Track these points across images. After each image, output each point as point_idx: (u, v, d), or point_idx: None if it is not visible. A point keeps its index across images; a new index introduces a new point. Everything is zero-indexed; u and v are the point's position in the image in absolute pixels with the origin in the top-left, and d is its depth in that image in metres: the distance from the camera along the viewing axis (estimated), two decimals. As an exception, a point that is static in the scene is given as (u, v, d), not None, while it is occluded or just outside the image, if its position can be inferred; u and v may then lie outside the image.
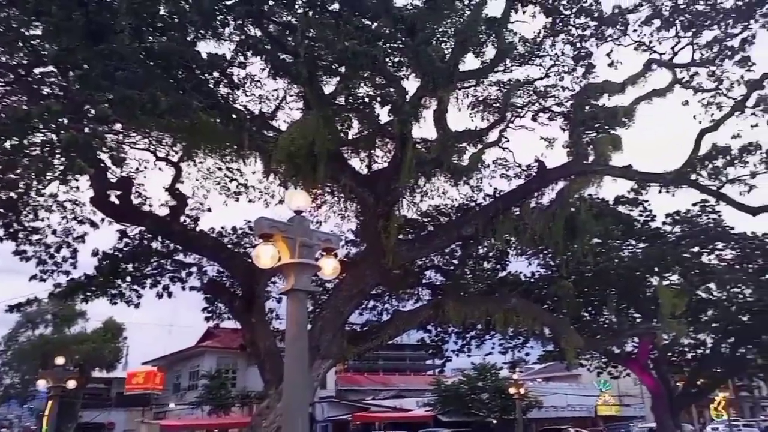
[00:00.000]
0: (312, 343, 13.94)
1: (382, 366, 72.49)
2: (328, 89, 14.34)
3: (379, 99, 13.84)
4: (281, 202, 17.48)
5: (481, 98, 17.68)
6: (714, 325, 32.46)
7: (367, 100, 14.10)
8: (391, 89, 13.85)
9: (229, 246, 18.85)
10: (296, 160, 11.96)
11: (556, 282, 24.80)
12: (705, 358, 36.04)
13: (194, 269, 18.85)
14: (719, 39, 15.93)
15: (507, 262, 23.83)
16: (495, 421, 42.96)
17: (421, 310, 17.97)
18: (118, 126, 13.31)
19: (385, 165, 15.87)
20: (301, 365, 5.94)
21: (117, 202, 15.62)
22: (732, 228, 30.08)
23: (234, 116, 13.66)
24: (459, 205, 19.56)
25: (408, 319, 17.15)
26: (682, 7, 15.83)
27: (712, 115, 16.91)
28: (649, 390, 35.90)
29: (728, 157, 16.18)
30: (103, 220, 16.60)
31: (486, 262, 23.73)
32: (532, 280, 27.20)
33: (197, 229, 17.90)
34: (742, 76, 16.34)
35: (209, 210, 18.71)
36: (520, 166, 18.48)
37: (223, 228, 19.89)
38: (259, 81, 15.17)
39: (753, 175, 16.02)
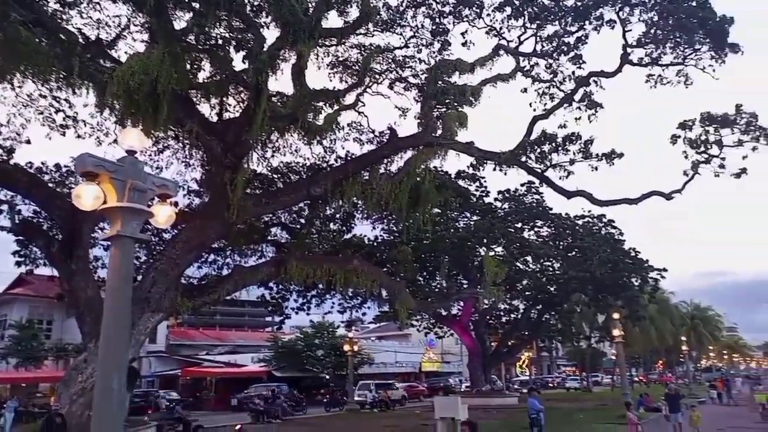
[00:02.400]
0: (142, 294, 13.14)
1: (220, 321, 70.75)
2: (178, 25, 13.21)
3: (234, 43, 13.08)
4: (116, 141, 15.94)
5: (341, 59, 17.57)
6: (527, 293, 36.66)
7: (221, 42, 13.24)
8: (249, 35, 13.17)
9: (51, 184, 16.83)
10: (136, 97, 10.91)
11: (396, 247, 26.02)
12: (516, 322, 40.67)
13: (5, 207, 16.59)
14: (559, 34, 17.52)
15: (353, 225, 24.40)
16: (328, 377, 44.51)
17: (263, 266, 17.76)
18: None
19: (237, 115, 15.18)
20: (121, 318, 5.54)
21: None
22: (550, 208, 33.94)
23: (63, 38, 12.05)
24: (310, 165, 19.44)
25: (249, 275, 16.86)
26: (530, -1, 17.07)
27: (545, 104, 18.73)
28: (467, 348, 39.62)
29: (554, 144, 18.03)
30: None
31: (332, 224, 24.06)
32: (375, 243, 28.27)
33: (11, 162, 15.68)
34: (573, 72, 18.26)
35: (28, 142, 16.47)
36: (373, 131, 18.80)
37: (43, 164, 17.69)
38: (98, 3, 13.51)
39: (572, 162, 18.06)
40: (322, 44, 16.40)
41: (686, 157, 18.14)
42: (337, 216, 22.64)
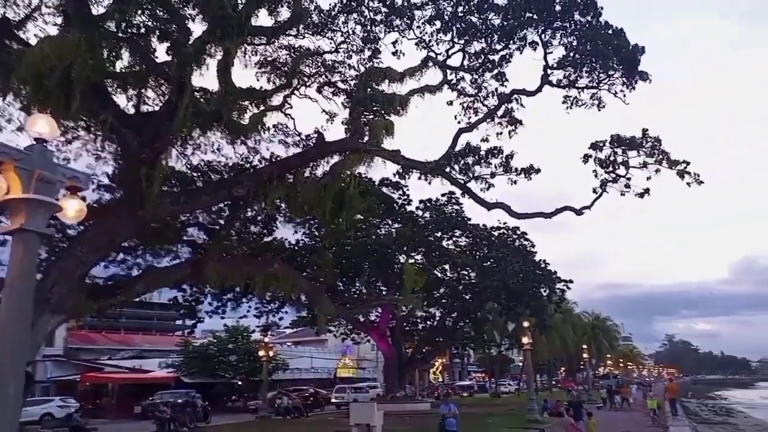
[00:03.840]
0: (41, 294, 12.17)
1: (125, 324, 67.02)
2: (96, 10, 12.45)
3: (158, 33, 12.49)
4: (21, 129, 14.70)
5: (270, 59, 17.23)
6: (443, 301, 37.52)
7: (143, 31, 12.59)
8: (174, 26, 12.62)
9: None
10: (46, 83, 10.16)
11: (318, 251, 25.79)
12: (432, 329, 41.47)
13: None
14: (485, 51, 18.12)
15: (274, 228, 23.89)
16: (240, 383, 43.29)
17: (177, 267, 17.06)
18: None
19: (157, 109, 14.49)
20: (20, 319, 5.09)
21: None
22: (469, 219, 34.97)
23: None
24: (233, 165, 18.90)
25: (162, 277, 16.12)
26: (459, 15, 17.55)
27: (470, 118, 19.29)
28: (383, 354, 39.90)
29: (477, 157, 18.59)
30: None
31: (253, 226, 23.47)
32: (296, 247, 27.85)
33: None
34: (496, 89, 18.92)
35: None
36: (300, 135, 18.54)
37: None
38: (4, -22, 12.46)
39: (493, 175, 18.69)
40: (251, 42, 16.03)
41: (596, 175, 19.27)
42: (259, 218, 22.12)
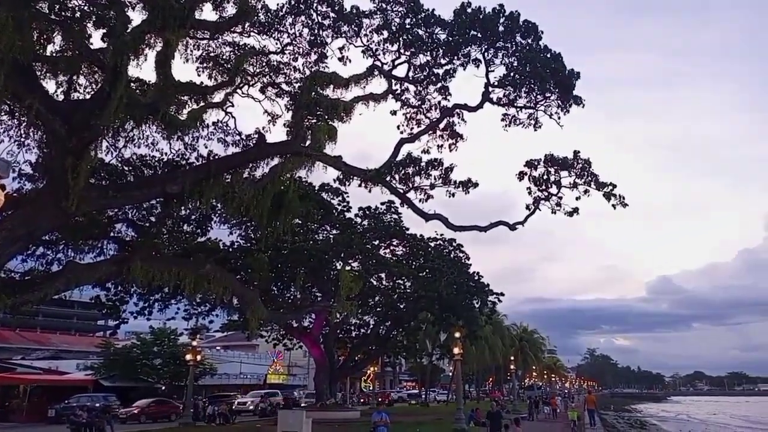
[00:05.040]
0: (-53, 287, 11.36)
1: (42, 323, 63.40)
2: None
3: (94, 18, 11.96)
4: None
5: (213, 54, 16.89)
6: (378, 309, 37.62)
7: (79, 15, 12.03)
8: (112, 12, 12.14)
9: None
10: (-35, 61, 9.53)
11: (253, 254, 25.31)
12: (365, 337, 41.49)
13: None
14: (430, 65, 18.48)
15: (209, 228, 23.33)
16: (164, 388, 41.71)
17: (102, 264, 16.28)
18: None
19: (88, 97, 13.84)
20: None
21: None
22: (407, 229, 35.29)
23: None
24: (168, 160, 18.31)
25: (85, 273, 15.32)
26: (407, 27, 17.82)
27: (412, 128, 19.57)
28: (315, 361, 39.51)
29: (417, 168, 18.85)
30: None
31: (186, 225, 22.81)
32: (231, 249, 27.26)
33: None
34: (439, 102, 19.31)
35: None
36: (240, 134, 18.20)
37: None
38: None
39: (432, 186, 18.98)
40: (194, 36, 15.64)
41: (530, 192, 19.92)
42: (193, 217, 21.51)
